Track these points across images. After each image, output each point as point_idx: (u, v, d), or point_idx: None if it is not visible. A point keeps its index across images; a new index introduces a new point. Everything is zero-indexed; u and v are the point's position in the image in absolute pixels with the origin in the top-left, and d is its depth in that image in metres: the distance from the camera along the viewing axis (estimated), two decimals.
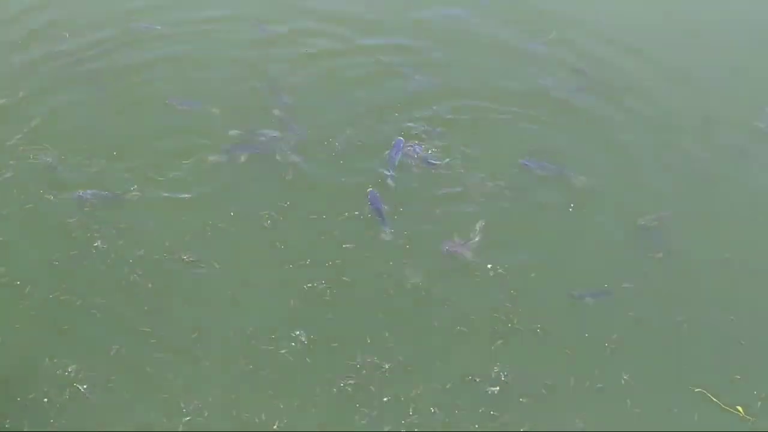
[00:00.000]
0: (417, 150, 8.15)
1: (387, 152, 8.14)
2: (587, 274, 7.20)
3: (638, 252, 7.43)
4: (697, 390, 6.35)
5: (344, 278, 6.94)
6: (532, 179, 8.06)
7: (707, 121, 9.03)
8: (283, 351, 6.40)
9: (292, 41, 10.03)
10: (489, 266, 7.09)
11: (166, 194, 7.61)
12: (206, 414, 5.97)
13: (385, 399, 6.13)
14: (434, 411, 6.09)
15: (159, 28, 10.06)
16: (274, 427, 5.94)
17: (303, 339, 6.46)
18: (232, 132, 8.34)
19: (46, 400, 5.96)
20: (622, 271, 7.22)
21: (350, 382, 6.21)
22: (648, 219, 7.64)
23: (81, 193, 7.47)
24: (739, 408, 6.25)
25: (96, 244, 7.11)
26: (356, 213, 7.51)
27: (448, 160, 8.10)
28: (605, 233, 7.60)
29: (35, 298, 6.67)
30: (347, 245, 7.21)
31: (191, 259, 7.02)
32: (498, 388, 6.23)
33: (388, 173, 7.92)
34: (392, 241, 7.29)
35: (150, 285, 6.79)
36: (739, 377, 6.47)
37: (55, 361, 6.22)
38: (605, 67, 9.91)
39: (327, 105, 8.91)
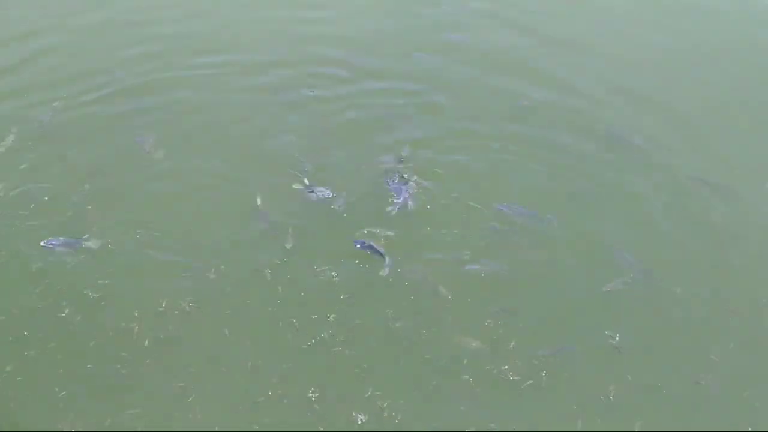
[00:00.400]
0: (405, 194, 8.13)
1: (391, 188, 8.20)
2: (586, 323, 7.14)
3: (635, 303, 7.36)
4: None
5: (345, 330, 6.86)
6: (515, 226, 8.00)
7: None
8: (289, 405, 6.33)
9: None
10: (487, 317, 7.06)
11: (160, 245, 7.54)
12: None
13: None
14: None
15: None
16: None
17: (309, 393, 6.39)
18: (295, 186, 8.29)
19: None
20: (623, 322, 7.16)
21: None
22: (613, 285, 7.48)
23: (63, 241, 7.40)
24: None
25: (94, 296, 7.02)
26: (356, 261, 7.45)
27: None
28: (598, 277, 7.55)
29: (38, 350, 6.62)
30: (345, 296, 7.15)
31: (191, 311, 6.93)
32: None
33: (396, 202, 8.00)
34: (393, 290, 7.23)
35: (146, 342, 6.69)
36: (750, 430, 6.41)
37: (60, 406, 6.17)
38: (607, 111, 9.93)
39: (327, 154, 8.89)
